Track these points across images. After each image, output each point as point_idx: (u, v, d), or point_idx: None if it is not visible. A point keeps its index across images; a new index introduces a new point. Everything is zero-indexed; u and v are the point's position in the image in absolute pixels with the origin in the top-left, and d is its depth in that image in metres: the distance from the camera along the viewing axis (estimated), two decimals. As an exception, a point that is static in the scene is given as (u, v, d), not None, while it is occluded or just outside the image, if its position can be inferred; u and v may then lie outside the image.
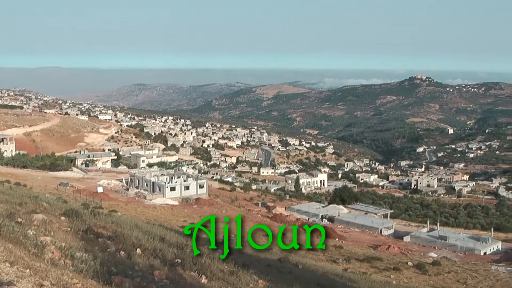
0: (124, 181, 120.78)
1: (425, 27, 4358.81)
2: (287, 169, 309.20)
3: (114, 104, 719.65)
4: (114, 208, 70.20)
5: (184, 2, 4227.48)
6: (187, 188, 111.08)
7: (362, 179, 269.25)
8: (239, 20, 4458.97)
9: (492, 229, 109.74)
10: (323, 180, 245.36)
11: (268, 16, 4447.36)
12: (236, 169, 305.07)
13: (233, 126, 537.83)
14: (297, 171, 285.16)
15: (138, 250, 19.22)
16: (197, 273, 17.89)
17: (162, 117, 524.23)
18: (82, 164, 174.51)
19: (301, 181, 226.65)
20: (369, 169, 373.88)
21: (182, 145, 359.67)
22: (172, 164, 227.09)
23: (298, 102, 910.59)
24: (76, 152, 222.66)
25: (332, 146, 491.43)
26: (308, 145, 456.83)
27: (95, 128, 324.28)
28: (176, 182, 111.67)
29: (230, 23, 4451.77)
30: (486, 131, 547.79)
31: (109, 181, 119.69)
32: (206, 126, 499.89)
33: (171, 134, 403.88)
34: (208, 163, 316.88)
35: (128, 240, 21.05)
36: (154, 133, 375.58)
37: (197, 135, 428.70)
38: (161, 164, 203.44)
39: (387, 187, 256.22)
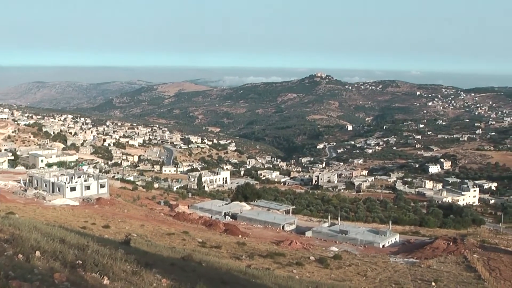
0: (22, 182, 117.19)
1: (323, 26, 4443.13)
2: (189, 167, 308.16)
3: (11, 103, 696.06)
4: (12, 210, 68.01)
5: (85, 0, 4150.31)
6: (88, 188, 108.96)
7: (264, 176, 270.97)
8: (139, 18, 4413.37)
9: (390, 222, 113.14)
10: (226, 178, 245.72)
11: (168, 14, 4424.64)
12: (138, 168, 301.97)
13: (135, 124, 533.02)
14: (199, 169, 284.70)
15: (37, 253, 18.66)
16: (99, 274, 17.54)
17: (61, 115, 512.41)
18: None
19: (203, 179, 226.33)
20: (271, 166, 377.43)
21: (82, 144, 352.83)
22: (72, 163, 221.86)
23: (200, 100, 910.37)
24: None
25: (234, 144, 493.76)
26: (210, 143, 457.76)
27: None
28: (77, 182, 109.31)
29: (130, 21, 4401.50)
30: (384, 127, 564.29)
31: (6, 182, 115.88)
32: (107, 124, 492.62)
33: (70, 133, 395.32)
34: (109, 162, 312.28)
35: (26, 242, 20.42)
36: (53, 132, 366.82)
37: (98, 134, 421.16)
38: (61, 164, 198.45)
39: (288, 183, 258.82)
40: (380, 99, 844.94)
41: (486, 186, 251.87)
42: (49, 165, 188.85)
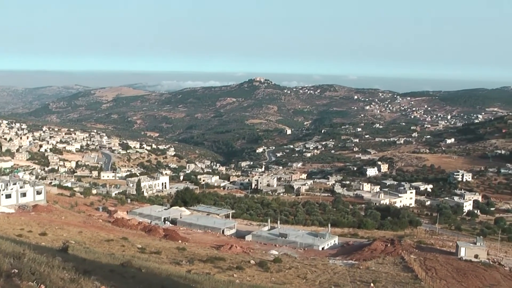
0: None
1: (260, 30, 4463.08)
2: (128, 173, 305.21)
3: None
4: None
5: (19, 2, 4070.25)
6: (24, 195, 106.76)
7: (203, 181, 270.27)
8: (75, 20, 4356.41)
9: (329, 225, 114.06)
10: (165, 183, 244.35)
11: (104, 17, 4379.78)
12: (75, 174, 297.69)
13: (72, 129, 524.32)
14: (138, 174, 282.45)
15: (-29, 262, 18.22)
16: (36, 283, 17.20)
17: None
18: None
19: (142, 184, 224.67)
20: (210, 170, 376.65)
21: (17, 150, 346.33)
22: (7, 170, 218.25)
23: (139, 105, 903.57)
24: None
25: (173, 149, 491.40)
26: (149, 148, 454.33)
27: None
28: (12, 189, 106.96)
29: (65, 23, 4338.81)
30: (322, 131, 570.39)
31: None
32: (44, 130, 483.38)
33: (5, 139, 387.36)
34: (46, 168, 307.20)
35: (-41, 251, 19.90)
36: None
37: (34, 140, 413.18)
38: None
39: (228, 187, 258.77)
40: (318, 103, 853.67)
41: (422, 188, 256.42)
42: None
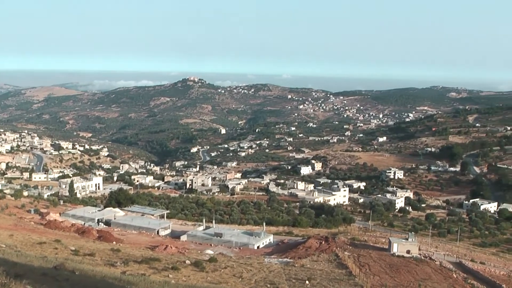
0: None
1: (194, 29, 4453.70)
2: (60, 174, 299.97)
3: None
4: None
5: None
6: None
7: (138, 181, 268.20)
8: (3, 17, 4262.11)
9: (264, 223, 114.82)
10: (98, 184, 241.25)
11: (34, 14, 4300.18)
12: (6, 176, 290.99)
13: (2, 130, 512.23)
14: (71, 175, 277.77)
15: None
16: (-35, 288, 16.81)
17: None
18: None
19: (75, 185, 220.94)
20: (144, 170, 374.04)
21: None
22: None
23: (71, 105, 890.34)
24: None
25: (106, 149, 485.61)
26: (82, 149, 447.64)
27: None
28: None
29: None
30: (257, 130, 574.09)
31: None
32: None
33: None
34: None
35: None
36: None
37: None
38: None
39: (163, 188, 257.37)
40: (252, 102, 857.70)
41: (355, 186, 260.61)
42: None
